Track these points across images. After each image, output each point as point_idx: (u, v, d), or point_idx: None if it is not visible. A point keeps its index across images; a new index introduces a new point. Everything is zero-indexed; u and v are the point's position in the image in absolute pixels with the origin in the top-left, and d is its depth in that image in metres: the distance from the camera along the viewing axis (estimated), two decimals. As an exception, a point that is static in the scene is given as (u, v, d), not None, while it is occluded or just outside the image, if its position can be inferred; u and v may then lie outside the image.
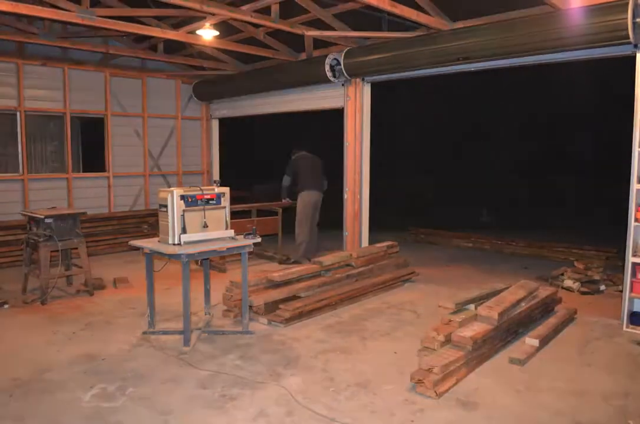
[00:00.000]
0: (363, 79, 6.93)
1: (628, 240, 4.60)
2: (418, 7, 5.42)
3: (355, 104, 7.05)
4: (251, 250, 4.43)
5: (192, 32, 6.39)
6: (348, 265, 5.69)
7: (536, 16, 4.94)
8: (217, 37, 6.65)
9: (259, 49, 7.33)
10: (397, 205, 11.69)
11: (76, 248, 5.62)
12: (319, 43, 7.09)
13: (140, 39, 7.83)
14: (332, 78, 6.82)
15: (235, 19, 6.18)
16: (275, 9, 5.88)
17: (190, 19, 6.50)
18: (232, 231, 4.36)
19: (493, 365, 3.77)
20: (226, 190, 4.33)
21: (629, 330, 4.52)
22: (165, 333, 4.41)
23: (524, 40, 4.96)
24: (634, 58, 4.56)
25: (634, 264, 4.55)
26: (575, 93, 11.57)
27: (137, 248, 4.27)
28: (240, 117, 9.30)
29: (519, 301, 4.26)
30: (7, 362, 3.82)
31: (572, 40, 4.70)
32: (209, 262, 4.81)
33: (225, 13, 5.53)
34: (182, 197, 4.01)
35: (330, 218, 7.83)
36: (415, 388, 3.31)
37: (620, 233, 4.88)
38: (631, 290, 4.57)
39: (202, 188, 4.19)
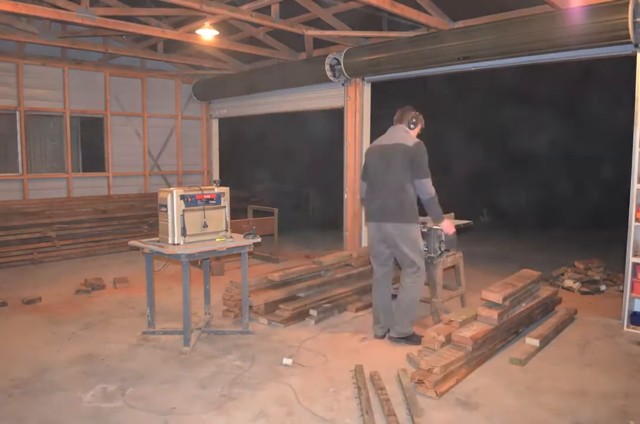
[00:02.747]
0: (363, 79, 6.92)
1: (628, 240, 4.59)
2: (418, 7, 5.42)
3: (355, 104, 7.04)
4: (251, 250, 4.42)
5: (192, 32, 6.38)
6: (348, 265, 5.68)
7: (536, 16, 4.93)
8: (216, 36, 6.64)
9: (259, 48, 7.33)
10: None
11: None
12: (319, 43, 7.09)
13: (140, 38, 7.82)
14: (332, 78, 6.81)
15: (235, 19, 6.18)
16: (275, 8, 5.87)
17: (190, 18, 6.49)
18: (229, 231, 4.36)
19: (493, 365, 3.77)
20: (226, 189, 4.33)
21: (629, 330, 4.51)
22: (165, 333, 4.40)
23: (524, 40, 4.95)
24: (634, 58, 4.56)
25: (634, 264, 4.55)
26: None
27: (137, 248, 4.26)
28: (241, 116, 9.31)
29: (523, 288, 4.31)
30: (7, 362, 3.80)
31: (573, 39, 4.70)
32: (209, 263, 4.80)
33: (225, 12, 5.53)
34: (182, 197, 4.00)
35: (331, 218, 7.79)
36: (415, 388, 3.31)
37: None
38: (632, 290, 4.56)
39: (202, 188, 4.18)
